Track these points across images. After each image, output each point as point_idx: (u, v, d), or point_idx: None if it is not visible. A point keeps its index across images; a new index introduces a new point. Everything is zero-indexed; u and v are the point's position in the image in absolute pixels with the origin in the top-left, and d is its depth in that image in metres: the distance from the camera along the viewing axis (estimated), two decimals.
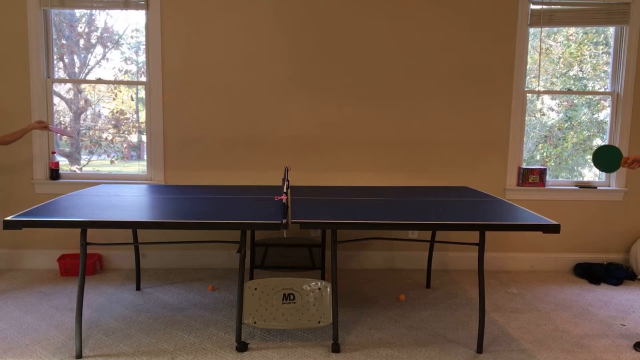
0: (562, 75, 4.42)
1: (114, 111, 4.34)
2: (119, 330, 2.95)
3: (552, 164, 4.46)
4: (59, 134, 4.02)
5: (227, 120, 4.08)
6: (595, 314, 3.35)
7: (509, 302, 3.55)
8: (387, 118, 4.13)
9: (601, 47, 4.38)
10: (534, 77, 4.26)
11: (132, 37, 4.24)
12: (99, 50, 4.27)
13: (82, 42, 4.26)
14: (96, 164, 4.40)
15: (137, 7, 3.94)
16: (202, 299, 3.49)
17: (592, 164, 3.10)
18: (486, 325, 3.12)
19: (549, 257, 4.31)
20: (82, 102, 4.32)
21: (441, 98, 4.13)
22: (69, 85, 4.27)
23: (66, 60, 4.25)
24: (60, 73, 4.23)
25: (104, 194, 3.25)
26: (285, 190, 3.01)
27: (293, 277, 2.85)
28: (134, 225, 2.48)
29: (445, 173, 4.20)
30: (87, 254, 4.04)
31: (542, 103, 4.41)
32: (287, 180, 3.28)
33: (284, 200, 2.84)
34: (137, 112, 4.40)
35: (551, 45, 4.40)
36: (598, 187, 4.26)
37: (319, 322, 2.78)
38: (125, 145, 4.39)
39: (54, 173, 4.04)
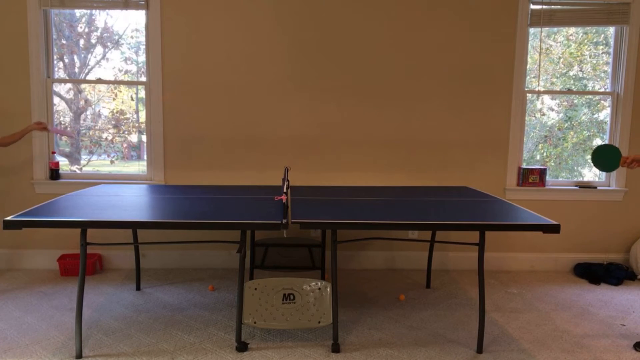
0: (562, 75, 4.42)
1: (114, 111, 4.34)
2: (119, 330, 2.95)
3: (552, 164, 4.46)
4: (58, 134, 4.03)
5: (227, 120, 4.08)
6: (595, 314, 3.35)
7: (509, 302, 3.55)
8: (387, 118, 4.13)
9: (601, 47, 4.38)
10: (534, 77, 4.26)
11: (132, 37, 4.24)
12: (99, 50, 4.27)
13: (82, 42, 4.26)
14: (96, 164, 4.40)
15: (137, 7, 3.94)
16: (202, 299, 3.49)
17: (591, 163, 3.10)
18: (486, 325, 3.12)
19: (549, 257, 4.31)
20: (82, 102, 4.32)
21: (441, 98, 4.13)
22: (69, 85, 4.27)
23: (66, 60, 4.25)
24: (60, 73, 4.23)
25: (104, 194, 3.25)
26: (285, 190, 3.01)
27: (293, 277, 2.85)
28: (134, 225, 2.48)
29: (445, 173, 4.20)
30: (87, 254, 4.04)
31: (542, 103, 4.41)
32: (287, 180, 3.28)
33: (284, 200, 2.84)
34: (137, 112, 4.40)
35: (551, 45, 4.40)
36: (598, 187, 4.26)
37: (319, 322, 2.78)
38: (125, 145, 4.39)
39: (54, 173, 4.04)
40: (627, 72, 4.14)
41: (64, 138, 4.28)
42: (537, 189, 4.20)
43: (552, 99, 4.40)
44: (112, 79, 4.22)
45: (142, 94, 4.32)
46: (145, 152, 4.22)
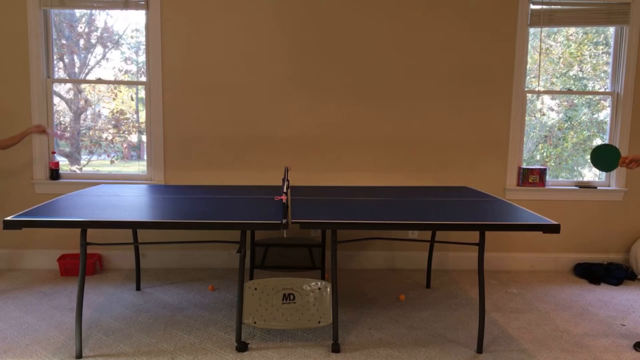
0: (562, 75, 4.42)
1: (114, 111, 4.34)
2: (119, 330, 2.95)
3: (552, 164, 4.46)
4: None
5: (227, 120, 4.08)
6: (595, 314, 3.35)
7: (509, 302, 3.55)
8: (387, 118, 4.13)
9: (601, 47, 4.38)
10: (534, 77, 4.26)
11: (132, 37, 4.24)
12: (99, 50, 4.27)
13: (82, 42, 4.26)
14: (96, 164, 4.41)
15: (137, 7, 3.94)
16: (202, 299, 3.49)
17: (590, 163, 3.10)
18: (486, 325, 3.12)
19: (549, 257, 4.31)
20: (82, 102, 4.32)
21: (441, 98, 4.13)
22: (69, 85, 4.27)
23: (66, 60, 4.25)
24: (60, 73, 4.23)
25: (104, 194, 3.25)
26: (285, 190, 3.01)
27: (293, 277, 2.85)
28: (134, 225, 2.48)
29: (445, 173, 4.20)
30: (87, 254, 4.04)
31: (542, 103, 4.41)
32: (287, 180, 3.28)
33: (284, 200, 2.84)
34: (137, 112, 4.40)
35: (551, 45, 4.40)
36: (598, 187, 4.26)
37: (319, 322, 2.78)
38: (125, 145, 4.39)
39: (54, 173, 4.04)
40: (627, 72, 4.14)
41: (64, 138, 4.28)
42: (537, 189, 4.20)
43: (552, 99, 4.40)
44: (112, 79, 4.22)
45: (142, 94, 4.32)
46: (145, 152, 4.22)
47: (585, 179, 4.42)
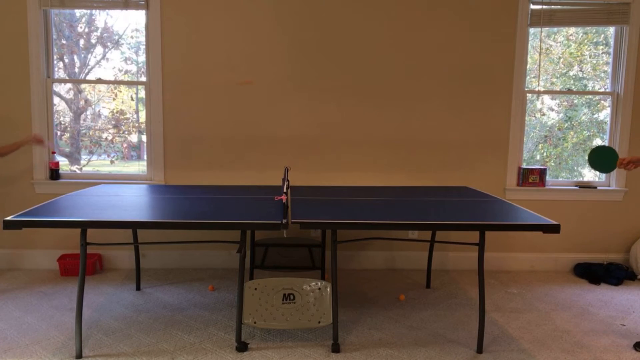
0: (562, 75, 4.42)
1: (114, 111, 4.34)
2: (119, 330, 2.95)
3: (552, 164, 4.46)
4: (49, 145, 3.89)
5: (227, 120, 4.08)
6: (595, 314, 3.35)
7: (509, 302, 3.55)
8: (387, 118, 4.13)
9: (601, 47, 4.38)
10: (534, 77, 4.26)
11: (132, 37, 4.24)
12: (99, 50, 4.27)
13: (82, 42, 4.26)
14: (96, 164, 4.41)
15: (137, 7, 3.94)
16: (202, 299, 3.49)
17: (589, 165, 3.11)
18: (486, 325, 3.12)
19: (549, 257, 4.31)
20: (82, 102, 4.32)
21: (441, 98, 4.13)
22: (69, 85, 4.27)
23: (66, 60, 4.25)
24: (60, 73, 4.23)
25: (104, 194, 3.25)
26: (285, 190, 3.01)
27: (293, 277, 2.85)
28: (134, 225, 2.48)
29: (445, 173, 4.20)
30: (87, 254, 4.04)
31: (542, 103, 4.41)
32: (287, 180, 3.28)
33: (284, 200, 2.84)
34: (137, 112, 4.40)
35: (551, 45, 4.40)
36: (598, 187, 4.26)
37: (319, 322, 2.78)
38: (125, 145, 4.39)
39: (54, 173, 4.04)
40: (627, 72, 4.14)
41: (64, 138, 4.28)
42: (537, 189, 4.20)
43: (552, 99, 4.40)
44: (112, 79, 4.23)
45: (142, 94, 4.32)
46: (145, 152, 4.22)
47: (585, 179, 4.42)
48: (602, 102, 4.36)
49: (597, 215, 4.30)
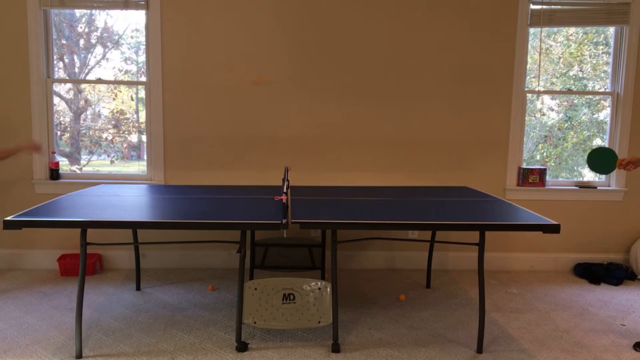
0: (562, 75, 4.42)
1: (114, 111, 4.35)
2: (119, 330, 2.95)
3: (552, 164, 4.46)
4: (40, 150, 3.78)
5: (227, 120, 4.08)
6: (595, 314, 3.35)
7: (509, 302, 3.55)
8: (387, 118, 4.13)
9: (601, 47, 4.38)
10: (534, 77, 4.26)
11: (132, 37, 4.24)
12: (99, 50, 4.27)
13: (82, 42, 4.26)
14: (96, 164, 4.41)
15: (137, 7, 3.94)
16: (202, 299, 3.49)
17: (587, 167, 3.11)
18: (486, 325, 3.12)
19: (549, 257, 4.31)
20: (82, 102, 4.32)
21: (441, 98, 4.13)
22: (69, 85, 4.27)
23: (66, 60, 4.25)
24: (60, 73, 4.23)
25: (104, 194, 3.25)
26: (285, 190, 3.01)
27: (293, 277, 2.85)
28: (134, 225, 2.48)
29: (445, 173, 4.20)
30: (87, 254, 4.04)
31: (542, 103, 4.41)
32: (287, 180, 3.28)
33: (284, 200, 2.84)
34: (137, 112, 4.40)
35: (551, 45, 4.40)
36: (598, 187, 4.26)
37: (319, 322, 2.78)
38: (125, 145, 4.39)
39: (54, 173, 4.04)
40: (627, 72, 4.14)
41: (64, 138, 4.28)
42: (537, 189, 4.20)
43: (552, 99, 4.40)
44: (112, 79, 4.23)
45: (142, 94, 4.32)
46: (145, 152, 4.22)
47: (585, 179, 4.42)
48: (602, 102, 4.36)
49: (597, 215, 4.30)
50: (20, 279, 3.85)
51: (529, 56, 4.17)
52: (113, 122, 4.34)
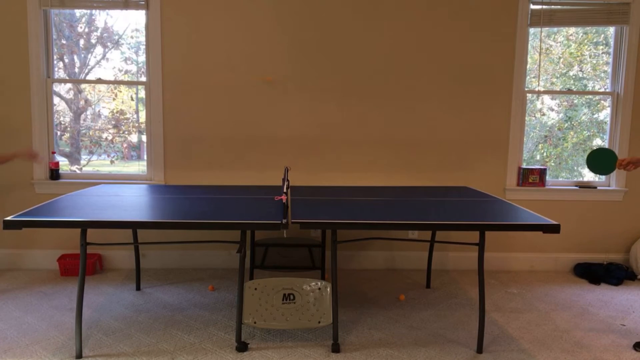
0: (562, 75, 4.42)
1: (114, 111, 4.35)
2: (119, 330, 2.95)
3: (552, 164, 4.46)
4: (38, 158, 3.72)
5: (227, 120, 4.08)
6: (595, 314, 3.35)
7: (509, 302, 3.55)
8: (387, 118, 4.13)
9: (601, 47, 4.38)
10: (534, 77, 4.26)
11: (132, 37, 4.24)
12: (99, 50, 4.27)
13: (82, 42, 4.26)
14: (96, 164, 4.41)
15: (137, 7, 3.94)
16: (202, 299, 3.49)
17: (587, 168, 3.11)
18: (486, 325, 3.12)
19: (549, 257, 4.31)
20: (82, 102, 4.32)
21: (441, 98, 4.13)
22: (69, 85, 4.27)
23: (66, 60, 4.25)
24: (60, 73, 4.23)
25: (104, 194, 3.25)
26: (285, 190, 3.01)
27: (293, 277, 2.85)
28: (134, 225, 2.48)
29: (445, 173, 4.20)
30: (87, 254, 4.04)
31: (542, 103, 4.41)
32: (287, 180, 3.28)
33: (284, 200, 2.84)
34: (137, 112, 4.40)
35: (551, 45, 4.40)
36: (598, 187, 4.26)
37: (319, 322, 2.78)
38: (125, 145, 4.39)
39: (54, 173, 4.04)
40: (627, 72, 4.14)
41: (64, 138, 4.28)
42: (537, 189, 4.20)
43: (552, 99, 4.40)
44: (112, 79, 4.23)
45: (142, 94, 4.32)
46: (145, 152, 4.22)
47: (585, 179, 4.42)
48: (602, 102, 4.36)
49: (597, 215, 4.30)
50: (20, 279, 3.85)
51: (529, 56, 4.17)
52: (113, 122, 4.34)
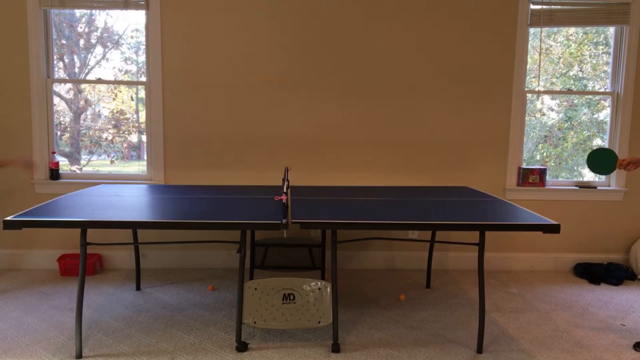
0: (562, 75, 4.42)
1: (114, 111, 4.35)
2: (119, 330, 2.95)
3: (552, 164, 4.46)
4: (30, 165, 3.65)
5: (227, 120, 4.08)
6: (595, 314, 3.35)
7: (509, 302, 3.55)
8: (387, 118, 4.13)
9: (601, 47, 4.38)
10: (534, 77, 4.26)
11: (132, 37, 4.24)
12: (99, 50, 4.27)
13: (82, 42, 4.26)
14: (96, 164, 4.41)
15: (137, 7, 3.94)
16: (202, 299, 3.49)
17: (587, 168, 3.11)
18: (486, 325, 3.12)
19: (549, 257, 4.31)
20: (82, 102, 4.32)
21: (441, 98, 4.13)
22: (69, 85, 4.27)
23: (66, 60, 4.25)
24: (60, 73, 4.23)
25: (104, 194, 3.25)
26: (285, 190, 3.01)
27: (293, 277, 2.85)
28: (134, 225, 2.48)
29: (445, 173, 4.20)
30: (87, 254, 4.04)
31: (542, 103, 4.41)
32: (287, 180, 3.28)
33: (284, 200, 2.84)
34: (137, 112, 4.40)
35: (551, 45, 4.40)
36: (598, 187, 4.26)
37: (319, 322, 2.78)
38: (125, 145, 4.39)
39: (54, 173, 4.04)
40: (627, 72, 4.14)
41: (64, 138, 4.28)
42: (537, 189, 4.20)
43: (552, 99, 4.40)
44: (112, 79, 4.23)
45: (142, 94, 4.32)
46: (145, 152, 4.22)
47: (585, 179, 4.42)
48: (602, 102, 4.36)
49: (597, 215, 4.30)
50: (20, 279, 3.85)
51: (529, 56, 4.17)
52: (113, 122, 4.34)
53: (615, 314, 3.36)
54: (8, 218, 2.44)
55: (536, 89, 4.26)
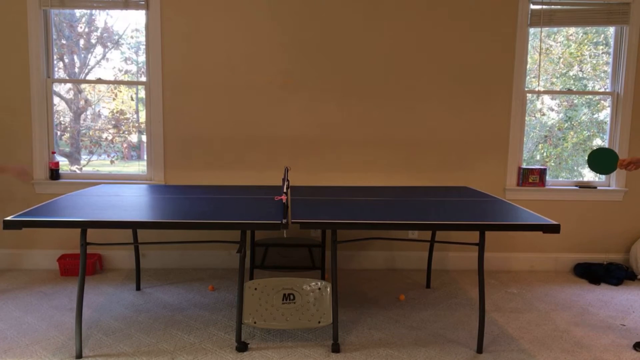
0: (562, 75, 4.42)
1: (114, 111, 4.35)
2: (119, 330, 2.95)
3: (552, 164, 4.46)
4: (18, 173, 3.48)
5: (227, 120, 4.08)
6: (595, 314, 3.35)
7: (509, 302, 3.55)
8: (387, 118, 4.13)
9: (601, 47, 4.38)
10: (534, 77, 4.26)
11: (132, 37, 4.24)
12: (99, 50, 4.27)
13: (82, 42, 4.26)
14: (96, 164, 4.41)
15: (137, 7, 3.94)
16: (202, 299, 3.49)
17: (588, 167, 3.12)
18: (486, 325, 3.12)
19: (549, 257, 4.31)
20: (82, 102, 4.32)
21: (441, 98, 4.13)
22: (69, 85, 4.27)
23: (66, 60, 4.25)
24: (60, 73, 4.23)
25: (104, 194, 3.25)
26: (285, 190, 3.01)
27: (293, 277, 2.85)
28: (134, 225, 2.48)
29: (445, 173, 4.20)
30: (87, 254, 4.04)
31: (542, 103, 4.41)
32: (287, 180, 3.28)
33: (284, 200, 2.84)
34: (137, 112, 4.40)
35: (551, 45, 4.40)
36: (598, 187, 4.26)
37: (319, 322, 2.78)
38: (125, 145, 4.39)
39: (54, 173, 4.04)
40: (627, 72, 4.14)
41: (64, 138, 4.28)
42: (537, 189, 4.20)
43: (552, 99, 4.40)
44: (112, 79, 4.23)
45: (142, 94, 4.32)
46: (145, 152, 4.22)
47: (585, 179, 4.42)
48: (602, 102, 4.36)
49: (597, 215, 4.30)
50: (20, 279, 3.85)
51: (529, 56, 4.17)
52: (113, 122, 4.34)
53: (615, 314, 3.36)
54: (8, 218, 2.44)
55: (536, 89, 4.27)
